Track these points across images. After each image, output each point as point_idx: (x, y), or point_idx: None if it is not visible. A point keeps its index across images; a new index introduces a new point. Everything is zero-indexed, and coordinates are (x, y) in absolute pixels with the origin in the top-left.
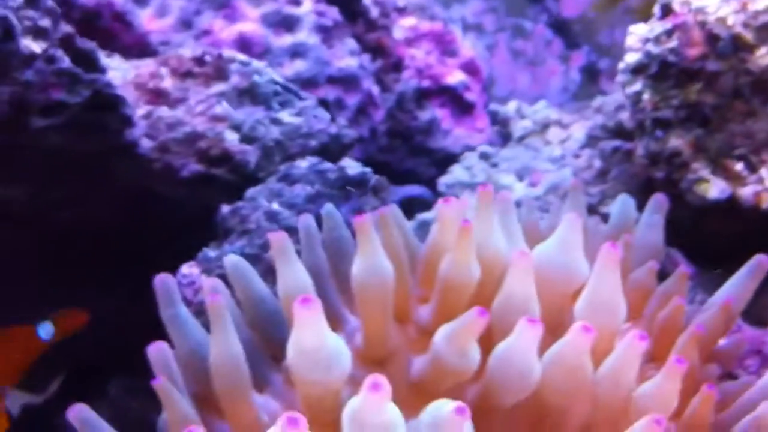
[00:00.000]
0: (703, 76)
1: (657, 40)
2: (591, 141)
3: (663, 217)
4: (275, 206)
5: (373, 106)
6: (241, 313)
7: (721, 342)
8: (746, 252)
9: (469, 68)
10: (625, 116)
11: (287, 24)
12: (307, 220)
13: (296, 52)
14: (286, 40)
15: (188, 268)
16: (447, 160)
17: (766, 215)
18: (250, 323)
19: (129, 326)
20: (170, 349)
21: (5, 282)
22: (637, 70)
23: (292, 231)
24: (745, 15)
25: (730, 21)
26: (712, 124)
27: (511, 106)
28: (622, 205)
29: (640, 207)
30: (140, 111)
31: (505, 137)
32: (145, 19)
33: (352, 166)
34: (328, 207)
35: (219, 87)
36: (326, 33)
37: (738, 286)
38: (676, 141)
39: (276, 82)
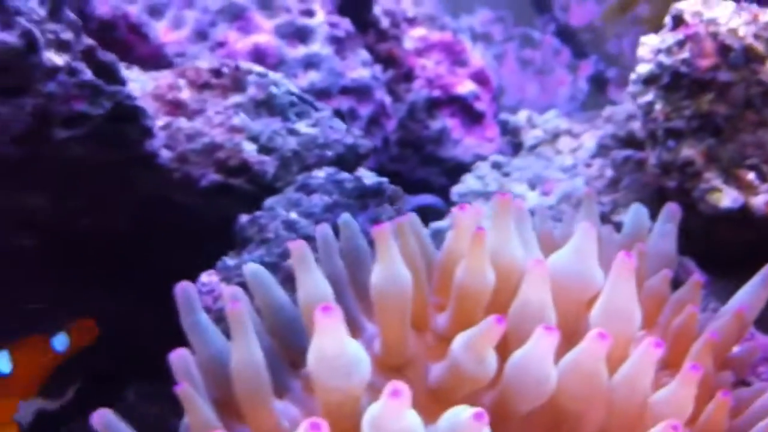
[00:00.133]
0: (715, 86)
1: (669, 50)
2: (602, 150)
3: (676, 226)
4: (293, 216)
5: (385, 116)
6: (261, 320)
7: (735, 349)
8: (758, 260)
9: (479, 78)
10: (635, 126)
11: (301, 35)
12: (324, 230)
13: (310, 63)
14: (300, 51)
15: (207, 277)
16: (457, 169)
17: None
18: (270, 330)
19: (146, 333)
20: (191, 355)
21: (26, 289)
22: (649, 81)
23: (310, 240)
24: (756, 26)
25: (741, 32)
26: (724, 134)
27: (521, 116)
28: (635, 214)
29: (652, 216)
30: (159, 122)
31: (515, 147)
32: (161, 31)
33: (368, 176)
34: (346, 216)
35: (236, 98)
36: (339, 44)
37: (751, 294)
38: (689, 151)
39: (292, 93)
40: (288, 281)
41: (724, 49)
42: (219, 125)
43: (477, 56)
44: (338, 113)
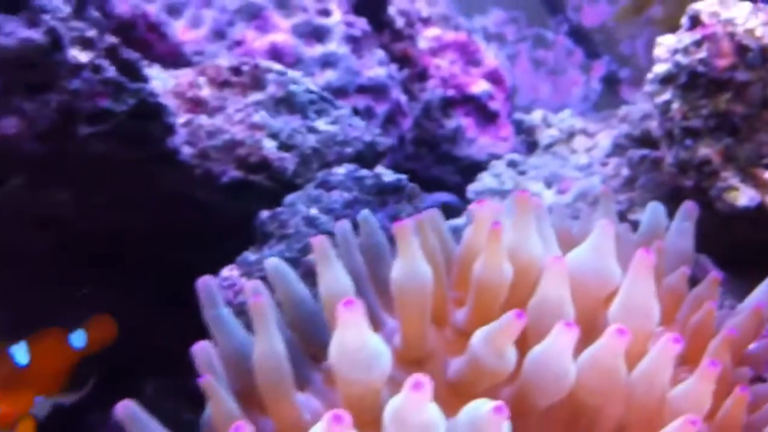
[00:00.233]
0: (732, 86)
1: (686, 50)
2: (617, 149)
3: (693, 224)
4: (313, 212)
5: (401, 115)
6: (281, 314)
7: (751, 346)
8: None
9: (493, 77)
10: (650, 125)
11: (317, 34)
12: (344, 226)
13: (327, 62)
14: (317, 50)
15: (229, 271)
16: (472, 168)
17: None
18: (290, 324)
19: (164, 329)
20: (213, 348)
21: (49, 283)
22: (666, 80)
23: (329, 236)
24: None
25: (758, 32)
26: (741, 133)
27: (536, 115)
28: (652, 212)
29: (669, 215)
30: (180, 119)
31: (530, 146)
32: (179, 30)
33: (387, 173)
34: (365, 213)
35: (256, 96)
36: (355, 43)
37: None
38: (706, 150)
39: (312, 91)
40: (308, 276)
41: (741, 49)
42: (239, 122)
43: (491, 56)
44: (355, 112)
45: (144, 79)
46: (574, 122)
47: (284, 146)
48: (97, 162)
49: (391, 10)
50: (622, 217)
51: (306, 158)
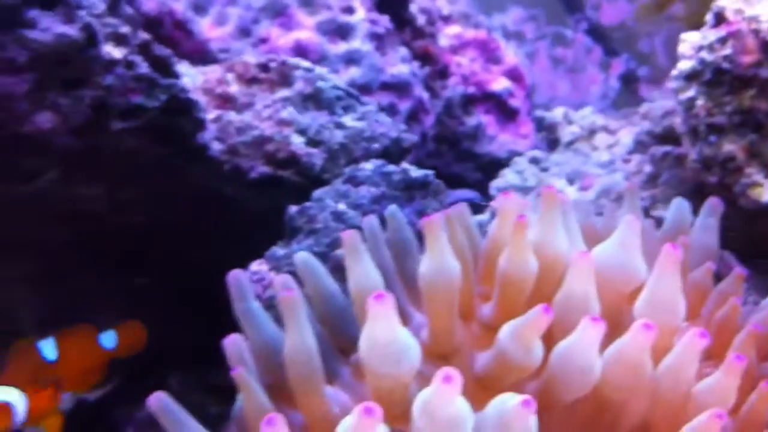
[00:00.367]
0: (757, 82)
1: (711, 47)
2: (639, 146)
3: (717, 220)
4: (341, 207)
5: (423, 112)
6: (310, 308)
7: None
8: None
9: (513, 75)
10: (672, 122)
11: (341, 32)
12: (371, 221)
13: (351, 59)
14: (341, 47)
15: (258, 266)
16: (492, 165)
17: None
18: (319, 318)
19: (191, 323)
20: (244, 341)
21: (78, 276)
22: (690, 77)
23: (357, 230)
24: None
25: None
26: (766, 129)
27: (558, 112)
28: (677, 208)
29: (691, 211)
30: (210, 115)
31: (551, 143)
32: (205, 27)
33: (413, 169)
34: (392, 208)
35: (284, 92)
36: (379, 40)
37: None
38: (730, 146)
39: (339, 88)
40: (336, 271)
41: (766, 46)
42: (268, 118)
43: (511, 54)
44: (380, 108)
45: (175, 75)
46: (595, 119)
47: (312, 142)
48: (129, 157)
49: (413, 8)
50: (645, 213)
51: (333, 154)
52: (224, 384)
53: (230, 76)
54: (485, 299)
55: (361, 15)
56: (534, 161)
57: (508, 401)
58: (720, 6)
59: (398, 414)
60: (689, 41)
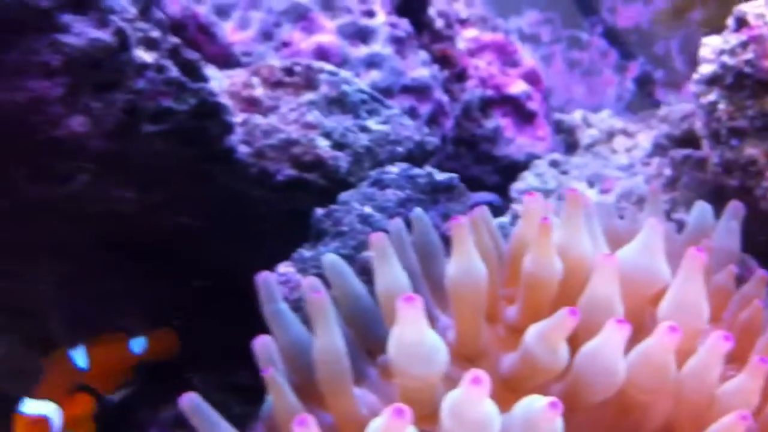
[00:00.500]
0: None
1: (732, 52)
2: (658, 150)
3: (739, 223)
4: (367, 210)
5: (443, 115)
6: (337, 309)
7: None
8: None
9: (531, 78)
10: (690, 125)
11: (362, 35)
12: (397, 224)
13: (372, 62)
14: (362, 50)
15: (284, 268)
16: (510, 167)
17: None
18: (346, 319)
19: (216, 324)
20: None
21: (110, 277)
22: (712, 81)
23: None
24: None
25: None
26: None
27: (577, 115)
28: (699, 211)
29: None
30: (237, 118)
31: (570, 145)
32: (228, 31)
33: (436, 172)
34: (418, 211)
35: (309, 96)
36: (399, 44)
37: None
38: (752, 150)
39: (363, 91)
40: (362, 273)
41: None
42: (293, 122)
43: (528, 57)
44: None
45: (204, 79)
46: (613, 122)
47: (337, 145)
48: (158, 160)
49: (431, 12)
50: (666, 216)
51: (359, 157)
52: (248, 384)
53: (256, 80)
54: (510, 302)
55: (381, 19)
56: (554, 164)
57: (534, 403)
58: (741, 11)
59: (425, 415)
60: (710, 45)
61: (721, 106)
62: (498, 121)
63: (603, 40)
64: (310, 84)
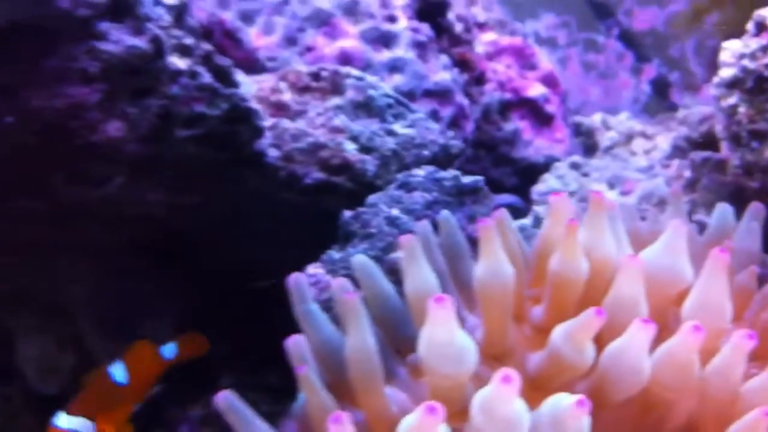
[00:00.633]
0: None
1: (753, 56)
2: (676, 152)
3: (760, 224)
4: (395, 212)
5: (464, 119)
6: (367, 309)
7: None
8: None
9: (549, 81)
10: (708, 128)
11: (385, 40)
12: (425, 226)
13: (394, 66)
14: (384, 55)
15: (314, 269)
16: (528, 169)
17: None
18: (376, 319)
19: (243, 326)
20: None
21: (140, 278)
22: (732, 85)
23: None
24: None
25: None
26: None
27: (596, 118)
28: (721, 213)
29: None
30: (266, 123)
31: (588, 148)
32: (253, 36)
33: (463, 174)
34: (445, 213)
35: (335, 101)
36: (421, 48)
37: None
38: None
39: (389, 96)
40: (390, 274)
41: None
42: (321, 126)
43: (546, 60)
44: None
45: (235, 85)
46: (632, 125)
47: (364, 149)
48: (190, 164)
49: (450, 16)
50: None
51: (385, 160)
52: (275, 384)
53: (283, 85)
54: (535, 302)
55: (403, 23)
56: (574, 166)
57: (562, 401)
58: (761, 15)
59: (455, 412)
60: (731, 49)
61: (742, 109)
62: (516, 123)
63: (619, 42)
64: (337, 89)
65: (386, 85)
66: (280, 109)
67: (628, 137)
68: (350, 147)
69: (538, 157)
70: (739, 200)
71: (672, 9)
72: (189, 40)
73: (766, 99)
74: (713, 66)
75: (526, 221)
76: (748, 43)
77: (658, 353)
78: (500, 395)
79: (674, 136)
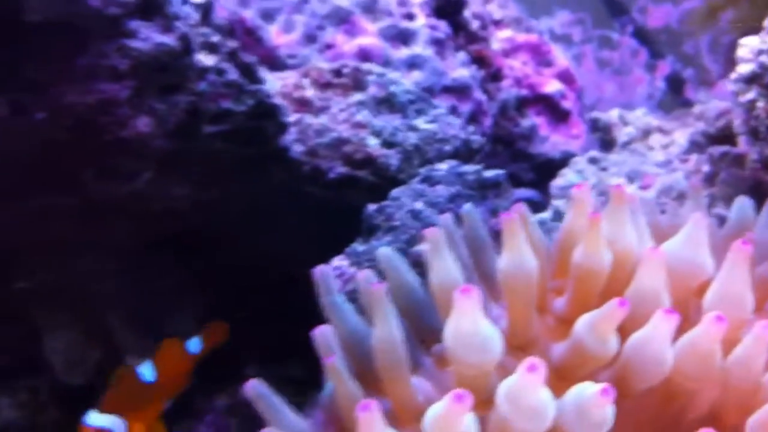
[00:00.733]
0: None
1: None
2: (694, 147)
3: None
4: (419, 205)
5: (482, 114)
6: (392, 300)
7: None
8: None
9: (565, 77)
10: (725, 122)
11: (403, 37)
12: (448, 219)
13: (413, 63)
14: (403, 52)
15: (338, 261)
16: (545, 165)
17: None
18: (401, 310)
19: (267, 318)
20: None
21: (165, 271)
22: (750, 80)
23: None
24: None
25: None
26: None
27: (613, 114)
28: (740, 206)
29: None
30: (290, 118)
31: (606, 143)
32: (273, 34)
33: (484, 169)
34: (468, 206)
35: (358, 96)
36: (439, 45)
37: None
38: None
39: (410, 91)
40: (414, 267)
41: None
42: (344, 121)
43: (562, 57)
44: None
45: (261, 81)
46: (649, 120)
47: (387, 143)
48: (216, 159)
49: (466, 13)
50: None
51: (408, 155)
52: (298, 376)
53: (306, 81)
54: (558, 293)
55: (421, 21)
56: (593, 161)
57: (586, 390)
58: None
59: (480, 401)
60: (748, 45)
61: (760, 104)
62: (533, 119)
63: (633, 39)
64: (359, 85)
65: (407, 81)
66: (303, 105)
67: (646, 132)
68: (373, 142)
69: (554, 153)
70: (758, 194)
71: (686, 6)
72: (215, 38)
73: None
74: (728, 62)
75: (545, 215)
76: (766, 39)
77: (680, 343)
78: (526, 384)
79: (691, 131)
